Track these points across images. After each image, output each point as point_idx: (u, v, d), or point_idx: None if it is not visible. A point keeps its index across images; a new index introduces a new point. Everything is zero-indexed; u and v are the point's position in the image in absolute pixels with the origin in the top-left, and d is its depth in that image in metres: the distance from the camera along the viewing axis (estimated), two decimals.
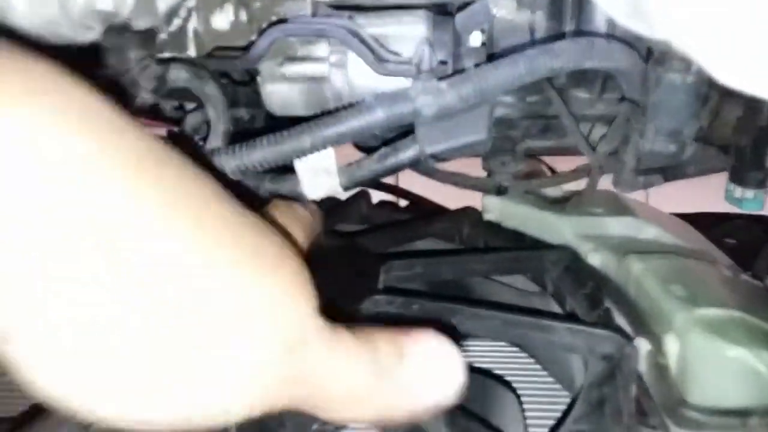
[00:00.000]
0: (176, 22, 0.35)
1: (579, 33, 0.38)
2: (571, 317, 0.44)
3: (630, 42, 0.35)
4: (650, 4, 0.23)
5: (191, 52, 0.35)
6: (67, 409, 0.17)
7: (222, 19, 0.37)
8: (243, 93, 0.43)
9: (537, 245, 0.54)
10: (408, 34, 0.36)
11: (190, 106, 0.40)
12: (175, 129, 0.37)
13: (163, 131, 0.51)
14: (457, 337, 0.24)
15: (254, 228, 0.20)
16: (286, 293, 0.20)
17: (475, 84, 0.33)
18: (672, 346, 0.38)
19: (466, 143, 0.36)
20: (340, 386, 0.21)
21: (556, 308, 0.47)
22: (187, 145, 0.33)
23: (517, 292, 0.51)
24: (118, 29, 0.30)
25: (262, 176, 0.35)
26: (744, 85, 0.21)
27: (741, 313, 0.39)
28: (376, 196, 0.69)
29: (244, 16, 0.37)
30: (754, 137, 0.45)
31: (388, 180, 0.69)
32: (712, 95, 0.38)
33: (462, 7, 0.36)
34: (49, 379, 0.17)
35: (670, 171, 0.47)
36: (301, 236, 0.27)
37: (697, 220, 0.60)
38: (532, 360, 0.46)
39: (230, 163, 0.32)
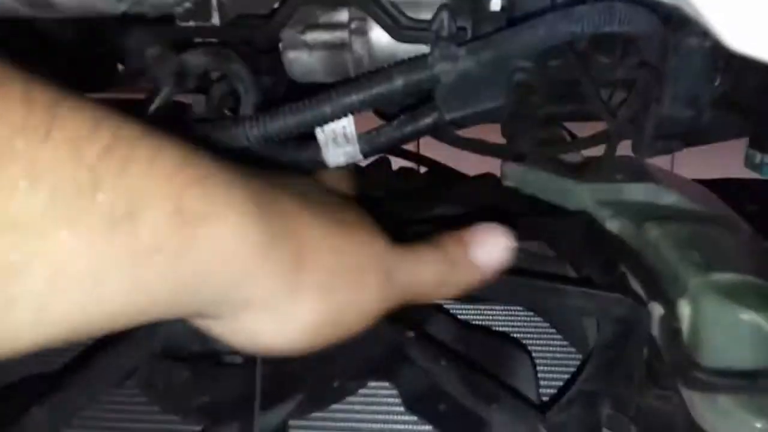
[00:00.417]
0: None
1: None
2: (585, 282, 0.45)
3: (650, 6, 0.35)
4: None
5: (215, 20, 0.35)
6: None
7: None
8: (265, 60, 0.43)
9: (554, 211, 0.54)
10: (427, 0, 0.36)
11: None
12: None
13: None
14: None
15: (336, 204, 0.28)
16: (369, 243, 0.27)
17: (494, 50, 0.33)
18: (685, 309, 0.39)
19: (486, 109, 0.37)
20: (428, 282, 0.29)
21: (572, 273, 0.48)
22: (178, 117, 0.34)
23: (534, 257, 0.52)
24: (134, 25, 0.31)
25: (283, 144, 0.36)
26: (754, 50, 0.21)
27: (755, 278, 0.40)
28: (396, 163, 0.69)
29: None
30: None
31: (409, 147, 0.69)
32: (733, 60, 0.38)
33: None
34: None
35: (691, 136, 0.47)
36: (351, 193, 0.35)
37: (718, 186, 0.60)
38: (546, 323, 0.47)
39: (253, 132, 0.33)
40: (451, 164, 0.78)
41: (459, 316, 0.47)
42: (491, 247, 0.31)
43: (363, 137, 0.36)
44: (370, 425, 0.39)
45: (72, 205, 0.18)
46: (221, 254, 0.21)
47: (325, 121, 0.34)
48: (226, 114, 0.36)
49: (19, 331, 0.18)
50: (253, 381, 0.33)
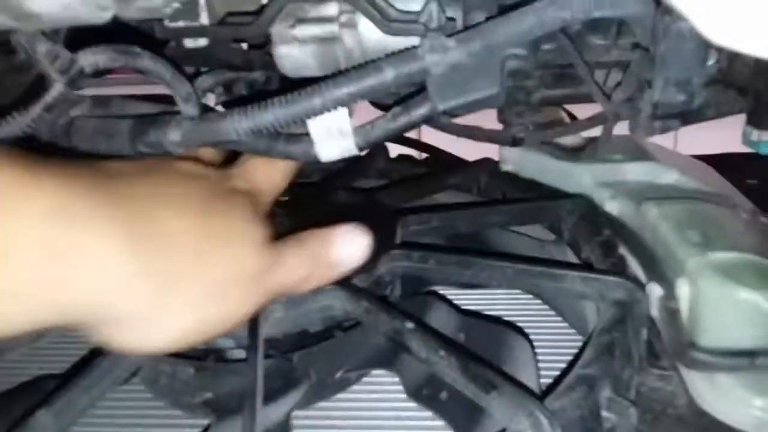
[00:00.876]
0: None
1: None
2: (585, 265, 0.45)
3: None
4: None
5: (203, 19, 0.35)
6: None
7: None
8: (257, 56, 0.43)
9: (553, 195, 0.54)
10: None
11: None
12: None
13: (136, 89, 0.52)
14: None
15: (208, 212, 0.30)
16: (238, 256, 0.30)
17: (483, 40, 0.33)
18: (684, 289, 0.39)
19: (479, 98, 0.36)
20: (292, 278, 0.32)
21: (571, 256, 0.48)
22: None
23: (534, 241, 0.52)
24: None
25: (275, 138, 0.36)
26: (732, 43, 0.21)
27: (755, 256, 0.40)
28: (395, 149, 0.69)
29: None
30: None
31: (409, 133, 0.69)
32: None
33: None
34: None
35: (688, 115, 0.47)
36: (276, 176, 0.37)
37: (719, 161, 0.59)
38: (546, 307, 0.47)
39: (243, 124, 0.33)
40: (450, 150, 0.78)
41: (459, 302, 0.47)
42: (349, 247, 0.34)
43: (357, 131, 0.36)
44: (373, 413, 0.39)
45: None
46: (89, 282, 0.24)
47: (315, 113, 0.33)
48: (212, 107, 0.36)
49: None
50: (252, 376, 0.33)
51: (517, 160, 0.60)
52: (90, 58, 0.30)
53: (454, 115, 0.40)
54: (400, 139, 0.77)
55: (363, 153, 0.38)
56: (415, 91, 0.38)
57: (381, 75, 0.33)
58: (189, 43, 0.37)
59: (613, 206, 0.50)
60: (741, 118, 0.51)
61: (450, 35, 0.33)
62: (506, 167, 0.61)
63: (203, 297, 0.28)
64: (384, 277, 0.42)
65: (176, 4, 0.34)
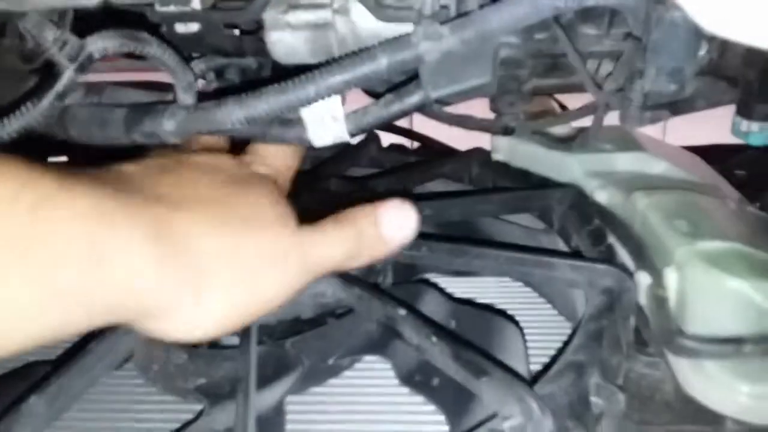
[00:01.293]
0: None
1: None
2: (574, 254, 0.46)
3: None
4: None
5: (195, 4, 0.35)
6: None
7: None
8: (249, 42, 0.43)
9: (543, 184, 0.55)
10: None
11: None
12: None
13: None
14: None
15: (235, 202, 0.31)
16: (270, 235, 0.30)
17: (477, 27, 0.33)
18: (672, 278, 0.39)
19: (472, 86, 0.37)
20: (338, 256, 0.32)
21: (561, 245, 0.49)
22: None
23: (524, 230, 0.52)
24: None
25: (268, 124, 0.36)
26: (726, 32, 0.21)
27: (742, 245, 0.40)
28: (386, 138, 0.69)
29: None
30: (761, 70, 0.44)
31: (401, 123, 0.69)
32: None
33: None
34: None
35: (678, 105, 0.47)
36: (290, 157, 0.37)
37: (708, 152, 0.60)
38: (535, 294, 0.48)
39: (237, 113, 0.33)
40: (441, 139, 0.78)
41: (450, 289, 0.48)
42: (398, 222, 0.34)
43: (350, 117, 0.36)
44: (365, 398, 0.40)
45: (13, 262, 0.22)
46: (127, 281, 0.25)
47: (309, 102, 0.34)
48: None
49: None
50: (245, 362, 0.34)
51: (508, 150, 0.60)
52: (99, 44, 0.30)
53: (446, 103, 0.40)
54: (392, 128, 0.77)
55: (355, 139, 0.38)
56: (407, 78, 0.38)
57: (375, 62, 0.33)
58: (180, 28, 0.37)
59: (602, 196, 0.51)
60: (729, 109, 0.52)
61: (443, 22, 0.33)
62: (497, 157, 0.61)
63: (239, 278, 0.29)
64: (376, 265, 0.42)
65: None
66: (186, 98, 0.34)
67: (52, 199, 0.23)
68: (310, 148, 0.37)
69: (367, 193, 0.52)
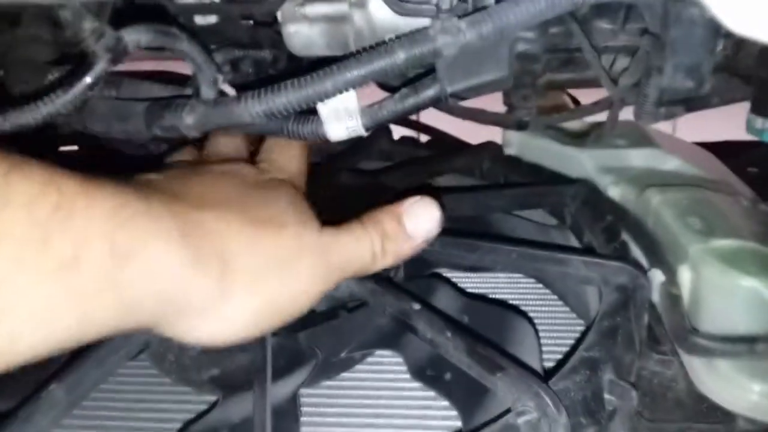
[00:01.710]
0: None
1: None
2: (587, 250, 0.46)
3: None
4: None
5: None
6: None
7: None
8: (265, 34, 0.43)
9: (556, 179, 0.55)
10: None
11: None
12: None
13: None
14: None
15: (260, 203, 0.31)
16: (295, 235, 0.30)
17: (495, 22, 0.33)
18: (685, 276, 0.39)
19: (488, 81, 0.36)
20: (365, 256, 0.32)
21: (574, 241, 0.49)
22: None
23: (537, 225, 0.52)
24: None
25: (284, 118, 0.36)
26: (753, 32, 0.21)
27: (756, 243, 0.40)
28: (397, 131, 0.69)
29: None
30: None
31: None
32: None
33: None
34: None
35: (693, 102, 0.47)
36: (301, 162, 0.38)
37: (720, 149, 0.60)
38: (548, 291, 0.48)
39: (256, 108, 0.33)
40: (452, 132, 0.78)
41: (462, 285, 0.48)
42: (422, 218, 0.34)
43: (365, 111, 0.36)
44: (377, 392, 0.40)
45: (29, 260, 0.22)
46: (153, 280, 0.25)
47: (327, 96, 0.33)
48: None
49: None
50: (262, 354, 0.34)
51: (520, 144, 0.60)
52: (133, 37, 0.30)
53: (461, 98, 0.40)
54: (402, 120, 0.77)
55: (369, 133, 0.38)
56: (423, 72, 0.38)
57: (392, 57, 0.32)
58: (199, 20, 0.37)
59: (615, 192, 0.50)
60: (741, 106, 0.51)
61: (461, 17, 0.33)
62: (509, 151, 0.61)
63: (264, 278, 0.29)
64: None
65: None
66: (209, 93, 0.34)
67: (73, 200, 0.23)
68: (322, 142, 0.37)
69: (378, 186, 0.52)
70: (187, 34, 0.32)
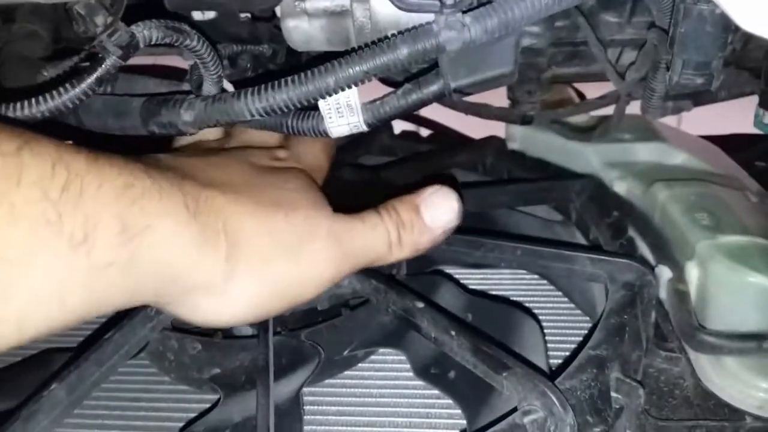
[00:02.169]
0: None
1: None
2: (593, 247, 0.45)
3: None
4: None
5: None
6: None
7: None
8: (264, 29, 0.42)
9: (561, 174, 0.54)
10: None
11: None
12: None
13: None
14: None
15: (272, 185, 0.31)
16: (307, 219, 0.30)
17: (500, 17, 0.32)
18: (693, 272, 0.39)
19: (492, 76, 0.36)
20: (380, 245, 0.32)
21: (579, 237, 0.48)
22: None
23: (542, 221, 0.52)
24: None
25: (285, 114, 0.36)
26: (761, 29, 0.20)
27: (764, 239, 0.40)
28: (398, 125, 0.69)
29: None
30: None
31: None
32: None
33: None
34: None
35: (700, 96, 0.46)
36: (322, 158, 0.38)
37: (728, 142, 0.59)
38: (554, 288, 0.47)
39: (256, 105, 0.32)
40: (454, 126, 0.77)
41: (468, 283, 0.47)
42: (441, 209, 0.33)
43: (367, 107, 0.35)
44: (380, 391, 0.40)
45: (43, 238, 0.22)
46: (161, 259, 0.25)
47: (328, 93, 0.33)
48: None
49: (4, 340, 0.22)
50: (263, 352, 0.34)
51: (523, 139, 0.59)
52: (145, 33, 0.30)
53: (465, 93, 0.40)
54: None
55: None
56: (426, 67, 0.37)
57: (395, 52, 0.32)
58: (197, 15, 0.37)
59: (621, 187, 0.50)
60: (747, 99, 0.51)
61: (465, 11, 0.33)
62: (513, 146, 0.60)
63: (272, 260, 0.28)
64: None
65: None
66: (213, 90, 0.34)
67: (83, 178, 0.23)
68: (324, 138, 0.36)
69: (380, 181, 0.51)
70: (196, 30, 0.32)
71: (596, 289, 0.42)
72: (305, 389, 0.36)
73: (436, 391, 0.38)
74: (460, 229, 0.43)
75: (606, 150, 0.54)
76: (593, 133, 0.56)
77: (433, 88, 0.36)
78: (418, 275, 0.44)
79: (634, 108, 0.47)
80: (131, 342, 0.34)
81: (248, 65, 0.45)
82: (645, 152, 0.53)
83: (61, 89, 0.30)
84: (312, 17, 0.37)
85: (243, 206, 0.28)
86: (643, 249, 0.44)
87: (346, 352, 0.40)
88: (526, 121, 0.52)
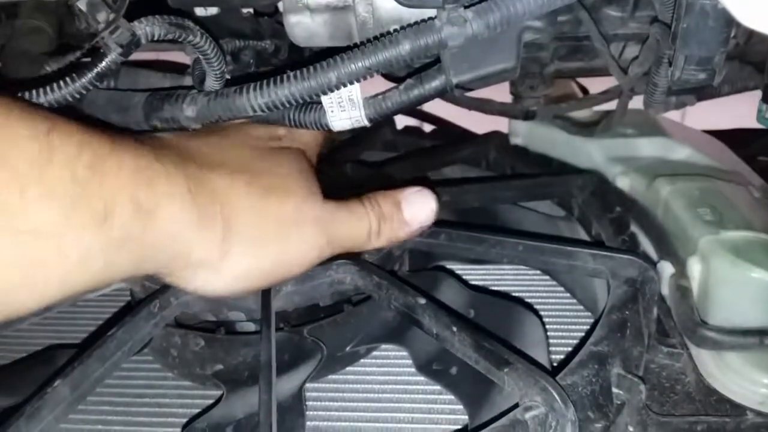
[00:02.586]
0: None
1: None
2: (595, 242, 0.45)
3: None
4: None
5: None
6: None
7: None
8: (267, 24, 0.42)
9: (564, 170, 0.54)
10: None
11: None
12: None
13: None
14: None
15: (267, 170, 0.33)
16: (297, 203, 0.32)
17: (502, 12, 0.32)
18: (695, 268, 0.39)
19: (495, 71, 0.36)
20: (360, 233, 0.34)
21: (582, 233, 0.48)
22: None
23: (544, 217, 0.52)
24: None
25: (288, 108, 0.36)
26: (761, 25, 0.20)
27: (766, 235, 0.39)
28: (401, 121, 0.68)
29: None
30: None
31: None
32: None
33: None
34: None
35: (704, 90, 0.46)
36: (314, 143, 0.39)
37: (731, 137, 0.59)
38: (556, 284, 0.47)
39: (258, 100, 0.33)
40: (456, 121, 0.77)
41: (470, 279, 0.47)
42: (419, 207, 0.36)
43: (369, 102, 0.35)
44: (382, 386, 0.40)
45: (72, 213, 0.24)
46: (167, 235, 0.28)
47: (330, 88, 0.33)
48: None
49: (34, 303, 0.25)
50: (265, 348, 0.34)
51: (526, 134, 0.59)
52: (147, 30, 0.31)
53: (468, 89, 0.40)
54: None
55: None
56: (428, 63, 0.37)
57: (397, 48, 0.32)
58: (200, 11, 0.37)
59: (624, 182, 0.50)
60: (752, 94, 0.51)
61: (467, 6, 0.33)
62: (516, 141, 0.60)
63: (263, 243, 0.31)
64: (393, 252, 0.42)
65: None
66: (215, 85, 0.35)
67: (105, 159, 0.26)
68: (326, 131, 0.36)
69: (383, 177, 0.51)
70: (198, 26, 0.32)
71: (598, 285, 0.42)
72: (308, 385, 0.36)
73: (438, 387, 0.38)
74: (463, 225, 0.43)
75: (609, 145, 0.54)
76: (596, 128, 0.56)
77: (436, 83, 0.35)
78: (420, 271, 0.45)
79: (637, 103, 0.46)
80: (135, 338, 0.34)
81: (251, 61, 0.45)
82: (648, 147, 0.53)
83: (61, 83, 0.30)
84: (314, 13, 0.37)
85: (240, 190, 0.31)
86: (646, 245, 0.44)
87: (348, 348, 0.40)
88: (528, 116, 0.52)
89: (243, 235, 0.31)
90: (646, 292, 0.37)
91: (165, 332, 0.38)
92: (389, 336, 0.40)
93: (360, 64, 0.32)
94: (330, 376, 0.40)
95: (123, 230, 0.26)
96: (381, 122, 0.65)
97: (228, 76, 0.35)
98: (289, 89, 0.32)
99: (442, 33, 0.32)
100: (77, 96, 0.30)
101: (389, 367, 0.41)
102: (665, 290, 0.40)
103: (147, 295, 0.37)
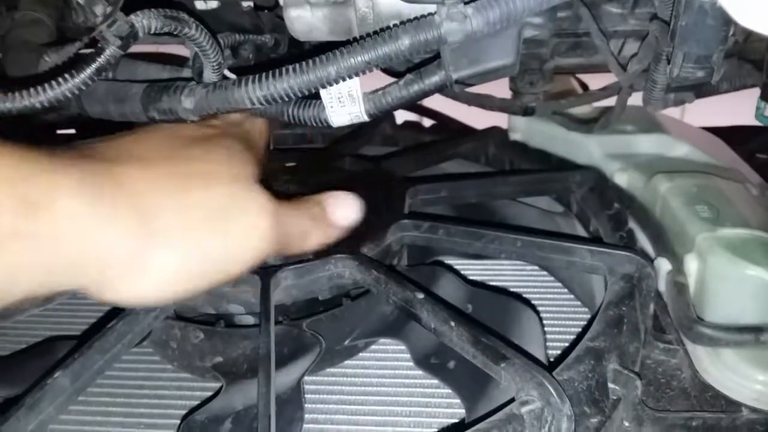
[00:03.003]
0: None
1: None
2: (593, 239, 0.45)
3: None
4: None
5: None
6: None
7: None
8: (267, 18, 0.42)
9: (562, 166, 0.54)
10: None
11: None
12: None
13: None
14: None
15: (190, 159, 0.31)
16: (227, 196, 0.30)
17: (502, 8, 0.32)
18: (692, 265, 0.39)
19: (494, 67, 0.36)
20: (292, 233, 0.34)
21: (580, 228, 0.48)
22: None
23: (542, 212, 0.52)
24: None
25: (286, 103, 0.36)
26: (760, 26, 0.20)
27: (763, 233, 0.40)
28: (400, 115, 0.68)
29: None
30: None
31: None
32: None
33: None
34: None
35: (702, 88, 0.46)
36: (255, 131, 0.37)
37: (730, 134, 0.59)
38: (553, 280, 0.48)
39: (257, 93, 0.33)
40: (455, 116, 0.77)
41: (468, 274, 0.47)
42: (344, 210, 0.37)
43: (368, 97, 0.35)
44: (380, 380, 0.40)
45: None
46: (65, 235, 0.25)
47: (329, 82, 0.33)
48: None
49: None
50: (264, 341, 0.34)
51: (525, 130, 0.59)
52: (144, 23, 0.30)
53: (467, 84, 0.40)
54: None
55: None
56: (428, 58, 0.37)
57: (397, 43, 0.32)
58: (200, 5, 0.37)
59: (622, 179, 0.50)
60: (750, 91, 0.51)
61: (467, 2, 0.33)
62: (515, 137, 0.60)
63: (191, 234, 0.28)
64: (392, 247, 0.42)
65: None
66: (213, 77, 0.34)
67: None
68: (325, 127, 0.36)
69: (382, 173, 0.51)
70: (194, 19, 0.32)
71: (595, 281, 0.42)
72: (306, 378, 0.37)
73: (435, 381, 0.38)
74: (461, 220, 0.43)
75: (608, 141, 0.54)
76: (595, 125, 0.56)
77: (435, 78, 0.36)
78: (418, 266, 0.45)
79: (636, 99, 0.47)
80: (135, 330, 0.34)
81: (250, 55, 0.45)
82: (646, 144, 0.53)
83: (60, 80, 0.30)
84: (314, 7, 0.37)
85: (158, 182, 0.28)
86: (643, 241, 0.45)
87: (346, 342, 0.40)
88: (528, 112, 0.52)
89: (167, 229, 0.27)
90: (643, 288, 0.37)
91: (165, 324, 0.38)
92: (387, 330, 0.41)
93: (359, 59, 0.32)
94: (328, 370, 0.40)
95: (8, 228, 0.23)
96: (381, 117, 0.65)
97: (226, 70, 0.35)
98: (287, 82, 0.32)
99: (441, 29, 0.32)
100: (77, 92, 0.30)
101: (387, 360, 0.41)
102: (662, 287, 0.41)
103: None
